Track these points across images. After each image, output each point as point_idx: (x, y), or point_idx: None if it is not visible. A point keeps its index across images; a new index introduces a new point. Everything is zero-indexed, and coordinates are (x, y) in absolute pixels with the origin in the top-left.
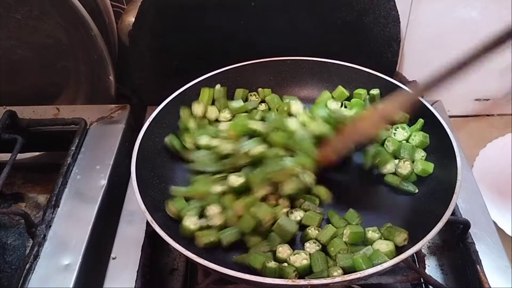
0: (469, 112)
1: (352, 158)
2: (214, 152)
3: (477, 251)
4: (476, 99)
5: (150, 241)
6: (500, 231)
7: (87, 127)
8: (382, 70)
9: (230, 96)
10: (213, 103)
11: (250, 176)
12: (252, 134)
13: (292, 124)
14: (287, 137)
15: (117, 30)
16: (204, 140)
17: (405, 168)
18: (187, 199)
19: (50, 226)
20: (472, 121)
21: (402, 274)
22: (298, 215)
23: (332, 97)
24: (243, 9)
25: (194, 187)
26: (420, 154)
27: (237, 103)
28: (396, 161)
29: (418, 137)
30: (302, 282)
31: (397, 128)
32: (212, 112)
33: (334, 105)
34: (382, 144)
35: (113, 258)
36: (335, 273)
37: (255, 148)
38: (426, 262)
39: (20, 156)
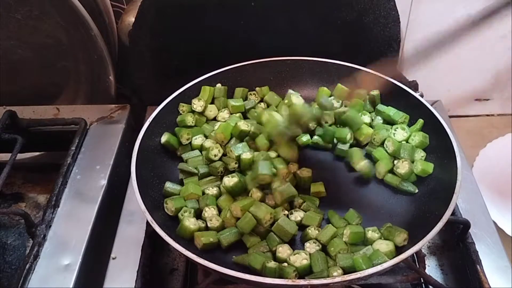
0: (469, 112)
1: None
2: (206, 156)
3: (477, 251)
4: (476, 99)
5: (150, 241)
6: (500, 231)
7: (87, 127)
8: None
9: (230, 96)
10: (213, 102)
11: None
12: (241, 135)
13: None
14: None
15: (117, 30)
16: (198, 140)
17: (403, 167)
18: (185, 198)
19: (50, 226)
20: (472, 121)
21: (402, 274)
22: (298, 215)
23: (332, 95)
24: (243, 9)
25: (187, 188)
26: (420, 154)
27: (236, 102)
28: (366, 161)
29: (418, 137)
30: (302, 282)
31: (397, 128)
32: (211, 110)
33: (334, 102)
34: (382, 144)
35: (113, 258)
36: (335, 273)
37: (244, 153)
38: (426, 262)
39: (20, 156)
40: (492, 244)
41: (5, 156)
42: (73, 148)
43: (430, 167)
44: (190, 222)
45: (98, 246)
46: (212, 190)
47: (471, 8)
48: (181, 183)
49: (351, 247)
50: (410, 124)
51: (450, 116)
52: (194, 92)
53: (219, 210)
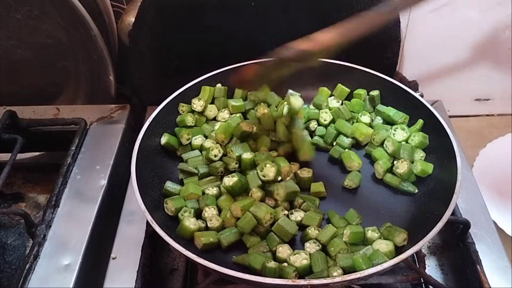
0: (469, 112)
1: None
2: (206, 156)
3: (477, 251)
4: (476, 99)
5: (150, 241)
6: (500, 231)
7: (87, 127)
8: (382, 70)
9: (230, 96)
10: (213, 102)
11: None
12: (243, 136)
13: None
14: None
15: (117, 30)
16: (198, 140)
17: (402, 168)
18: (185, 198)
19: (50, 226)
20: (472, 121)
21: (402, 274)
22: (298, 215)
23: (333, 95)
24: (243, 9)
25: (187, 188)
26: (420, 154)
27: (236, 102)
28: (358, 164)
29: (418, 137)
30: (302, 282)
31: (397, 128)
32: (211, 110)
33: (334, 102)
34: (382, 144)
35: (113, 258)
36: (335, 273)
37: (245, 154)
38: (426, 262)
39: (20, 156)
40: (492, 244)
41: (5, 156)
42: (73, 148)
43: (429, 167)
44: (190, 222)
45: (98, 246)
46: (212, 190)
47: (471, 8)
48: (181, 183)
49: (351, 247)
50: (410, 124)
51: (450, 116)
52: (194, 92)
53: (219, 210)
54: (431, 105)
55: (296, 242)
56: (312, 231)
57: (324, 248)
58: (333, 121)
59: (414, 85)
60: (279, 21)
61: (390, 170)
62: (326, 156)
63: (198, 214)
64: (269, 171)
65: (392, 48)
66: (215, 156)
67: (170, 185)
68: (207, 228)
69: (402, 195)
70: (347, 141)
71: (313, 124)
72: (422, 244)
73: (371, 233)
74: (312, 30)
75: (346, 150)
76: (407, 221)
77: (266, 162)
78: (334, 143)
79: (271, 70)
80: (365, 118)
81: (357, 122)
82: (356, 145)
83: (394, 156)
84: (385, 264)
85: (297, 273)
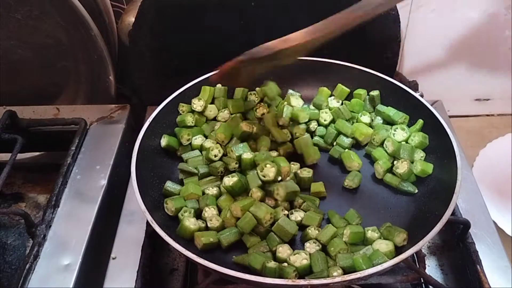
0: (469, 112)
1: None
2: (206, 156)
3: (477, 251)
4: (476, 99)
5: (150, 241)
6: (500, 231)
7: (87, 127)
8: (382, 70)
9: (230, 96)
10: (213, 102)
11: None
12: (243, 136)
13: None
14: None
15: (117, 30)
16: (198, 140)
17: (402, 168)
18: (185, 198)
19: (50, 226)
20: (472, 121)
21: (402, 274)
22: (298, 215)
23: (333, 95)
24: (243, 9)
25: (187, 188)
26: (420, 154)
27: (236, 102)
28: (358, 164)
29: (418, 137)
30: (302, 282)
31: (397, 128)
32: (211, 110)
33: (334, 102)
34: (382, 144)
35: (113, 258)
36: (335, 273)
37: (245, 154)
38: (426, 262)
39: (20, 156)
40: (492, 244)
41: (5, 156)
42: (73, 148)
43: (429, 167)
44: (190, 222)
45: (98, 246)
46: (212, 190)
47: (471, 8)
48: (181, 183)
49: (351, 247)
50: (410, 124)
51: (450, 116)
52: (194, 92)
53: (219, 210)
54: (431, 105)
55: (296, 242)
56: (312, 231)
57: (324, 248)
58: (333, 121)
59: (414, 85)
60: (279, 21)
61: (390, 170)
62: (326, 156)
63: (198, 214)
64: (269, 171)
65: (392, 48)
66: (215, 156)
67: (170, 185)
68: (207, 228)
69: (402, 195)
70: (347, 141)
71: (313, 124)
72: (422, 244)
73: (371, 233)
74: None
75: (346, 150)
76: (407, 221)
77: (266, 162)
78: (334, 143)
79: (246, 67)
80: (365, 118)
81: (357, 122)
82: (356, 145)
83: (394, 156)
84: (385, 264)
85: (297, 273)
